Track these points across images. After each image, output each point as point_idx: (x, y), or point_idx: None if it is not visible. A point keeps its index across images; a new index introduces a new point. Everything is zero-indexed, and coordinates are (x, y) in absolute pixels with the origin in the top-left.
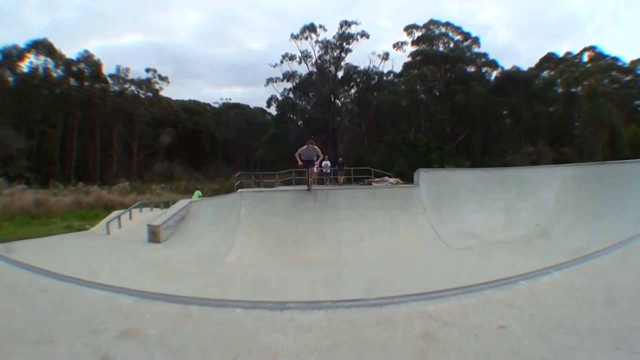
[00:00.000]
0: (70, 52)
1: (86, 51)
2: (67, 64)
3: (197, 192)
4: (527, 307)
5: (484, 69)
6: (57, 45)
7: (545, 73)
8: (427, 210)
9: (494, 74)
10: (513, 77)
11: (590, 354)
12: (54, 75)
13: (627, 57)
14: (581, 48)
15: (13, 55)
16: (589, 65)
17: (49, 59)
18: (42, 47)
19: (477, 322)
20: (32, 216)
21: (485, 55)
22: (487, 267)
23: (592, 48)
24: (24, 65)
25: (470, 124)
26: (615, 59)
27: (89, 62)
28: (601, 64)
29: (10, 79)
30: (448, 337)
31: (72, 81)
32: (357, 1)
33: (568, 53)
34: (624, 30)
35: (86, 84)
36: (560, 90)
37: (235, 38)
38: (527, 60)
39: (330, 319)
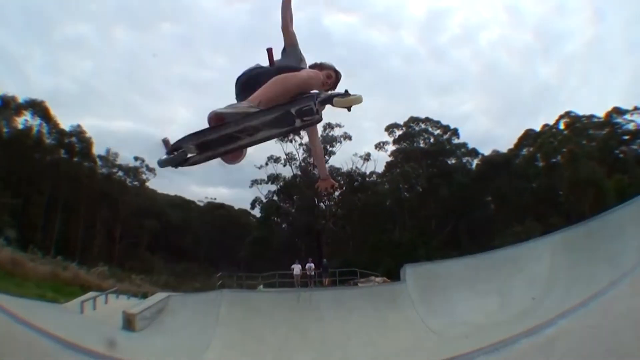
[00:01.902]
0: (65, 121)
1: (79, 125)
2: (60, 133)
3: None
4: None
5: (464, 159)
6: (53, 112)
7: (524, 150)
8: (416, 305)
9: (475, 162)
10: (494, 162)
11: None
12: (47, 142)
13: (601, 111)
14: (557, 116)
15: (11, 106)
16: (565, 132)
17: (43, 123)
18: (39, 108)
19: None
20: (7, 272)
21: (465, 145)
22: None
23: (567, 113)
24: (20, 121)
25: (455, 216)
26: (591, 116)
27: (81, 137)
28: (578, 126)
29: (5, 129)
30: None
31: (63, 152)
32: None
33: (545, 125)
34: (595, 86)
35: (75, 159)
36: (541, 164)
37: None
38: (506, 142)
39: None
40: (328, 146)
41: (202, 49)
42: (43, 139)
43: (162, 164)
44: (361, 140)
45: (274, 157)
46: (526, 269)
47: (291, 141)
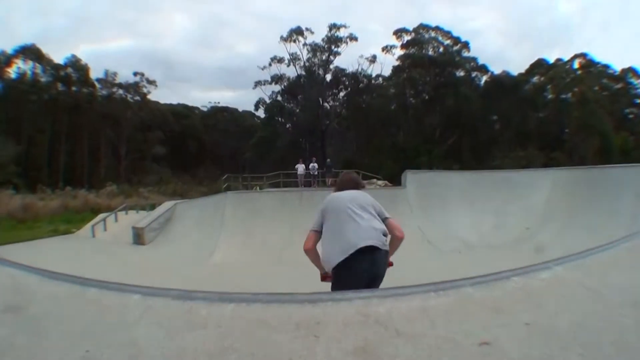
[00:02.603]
0: (58, 57)
1: (74, 56)
2: (55, 68)
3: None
4: (522, 312)
5: (473, 74)
6: (45, 51)
7: (535, 79)
8: (415, 212)
9: (484, 78)
10: (503, 82)
11: None
12: (42, 80)
13: (617, 66)
14: (572, 55)
15: (1, 61)
16: (579, 72)
17: (37, 64)
18: (30, 52)
19: (448, 334)
20: (19, 221)
21: (474, 59)
22: (475, 271)
23: (583, 55)
24: (12, 71)
25: (460, 128)
26: (606, 66)
27: (77, 66)
28: (592, 71)
29: None
30: (398, 356)
31: (60, 86)
32: (347, 5)
33: (558, 60)
34: (615, 39)
35: (74, 88)
36: (550, 96)
37: (225, 42)
38: (517, 67)
39: (238, 315)
40: (333, 46)
41: None
42: (38, 79)
43: None
44: (368, 42)
45: (278, 58)
46: (525, 196)
47: (295, 41)
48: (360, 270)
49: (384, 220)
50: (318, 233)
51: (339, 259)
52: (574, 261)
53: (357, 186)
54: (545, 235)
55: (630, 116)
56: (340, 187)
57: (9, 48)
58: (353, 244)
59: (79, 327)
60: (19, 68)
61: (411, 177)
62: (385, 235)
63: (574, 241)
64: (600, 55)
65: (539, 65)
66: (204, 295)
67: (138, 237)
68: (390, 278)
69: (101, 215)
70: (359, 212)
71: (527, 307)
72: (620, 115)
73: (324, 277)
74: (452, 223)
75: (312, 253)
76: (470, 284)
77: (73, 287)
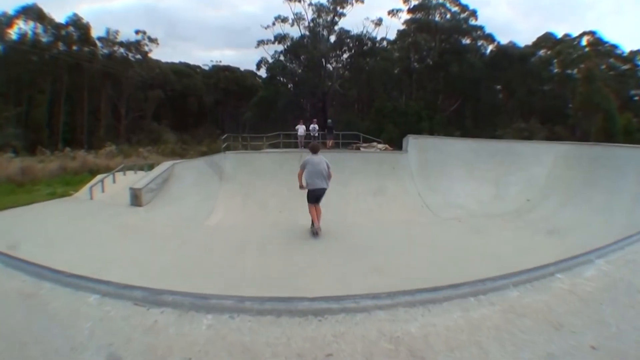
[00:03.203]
0: (60, 16)
1: (75, 14)
2: (56, 27)
3: None
4: (584, 330)
5: (479, 42)
6: (47, 10)
7: (542, 52)
8: (415, 178)
9: (490, 47)
10: (509, 52)
11: None
12: (43, 40)
13: (626, 47)
14: (580, 32)
15: (2, 23)
16: (587, 49)
17: (38, 24)
18: (31, 12)
19: None
20: (18, 184)
21: (481, 28)
22: (479, 242)
23: (591, 33)
24: (13, 32)
25: (463, 96)
26: (615, 46)
27: (78, 25)
28: (600, 49)
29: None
30: None
31: (61, 45)
32: None
33: (566, 35)
34: (626, 20)
35: (74, 47)
36: (556, 70)
37: (229, 0)
38: (524, 39)
39: (217, 336)
40: (338, 7)
41: None
42: (39, 39)
43: None
44: (374, 4)
45: (282, 17)
46: (526, 168)
47: (300, 1)
48: (316, 194)
49: (329, 168)
50: (302, 171)
51: (310, 187)
52: (614, 253)
53: (318, 151)
54: (545, 209)
55: (636, 98)
56: (312, 151)
57: (10, 9)
58: (317, 184)
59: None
60: (20, 29)
61: (413, 142)
62: (329, 178)
63: (575, 216)
64: (609, 35)
65: (546, 39)
66: (174, 299)
67: (135, 198)
68: (395, 238)
69: (99, 177)
70: (319, 168)
71: (587, 322)
72: (625, 96)
73: (301, 187)
74: (452, 190)
75: (300, 178)
76: (512, 283)
77: (25, 282)
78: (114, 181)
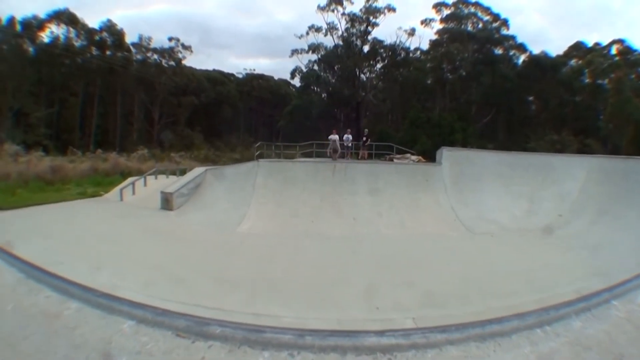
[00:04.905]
0: (93, 22)
1: (109, 20)
2: (90, 32)
3: None
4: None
5: (511, 52)
6: (80, 16)
7: (573, 61)
8: (449, 191)
9: (522, 57)
10: (541, 62)
11: None
12: (76, 44)
13: None
14: (610, 40)
15: (33, 25)
16: (617, 58)
17: (70, 28)
18: (63, 17)
19: None
20: (47, 182)
21: (513, 37)
22: (511, 257)
23: (620, 41)
24: (45, 36)
25: (496, 107)
26: None
27: (112, 31)
28: (629, 58)
29: (30, 49)
30: None
31: (94, 50)
32: None
33: (597, 44)
34: None
35: (108, 52)
36: (587, 80)
37: (264, 9)
38: (555, 48)
39: None
40: (371, 17)
41: None
42: (72, 43)
43: None
44: (407, 15)
45: (315, 27)
46: (559, 182)
47: (333, 11)
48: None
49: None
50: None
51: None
52: None
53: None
54: (578, 225)
55: None
56: (333, 133)
57: (41, 13)
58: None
59: None
60: (52, 32)
61: (447, 155)
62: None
63: (607, 233)
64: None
65: (577, 48)
66: (224, 332)
67: (166, 202)
68: (427, 251)
69: (130, 179)
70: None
71: None
72: None
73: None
74: (485, 204)
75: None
76: (573, 312)
77: (49, 298)
78: (145, 184)
